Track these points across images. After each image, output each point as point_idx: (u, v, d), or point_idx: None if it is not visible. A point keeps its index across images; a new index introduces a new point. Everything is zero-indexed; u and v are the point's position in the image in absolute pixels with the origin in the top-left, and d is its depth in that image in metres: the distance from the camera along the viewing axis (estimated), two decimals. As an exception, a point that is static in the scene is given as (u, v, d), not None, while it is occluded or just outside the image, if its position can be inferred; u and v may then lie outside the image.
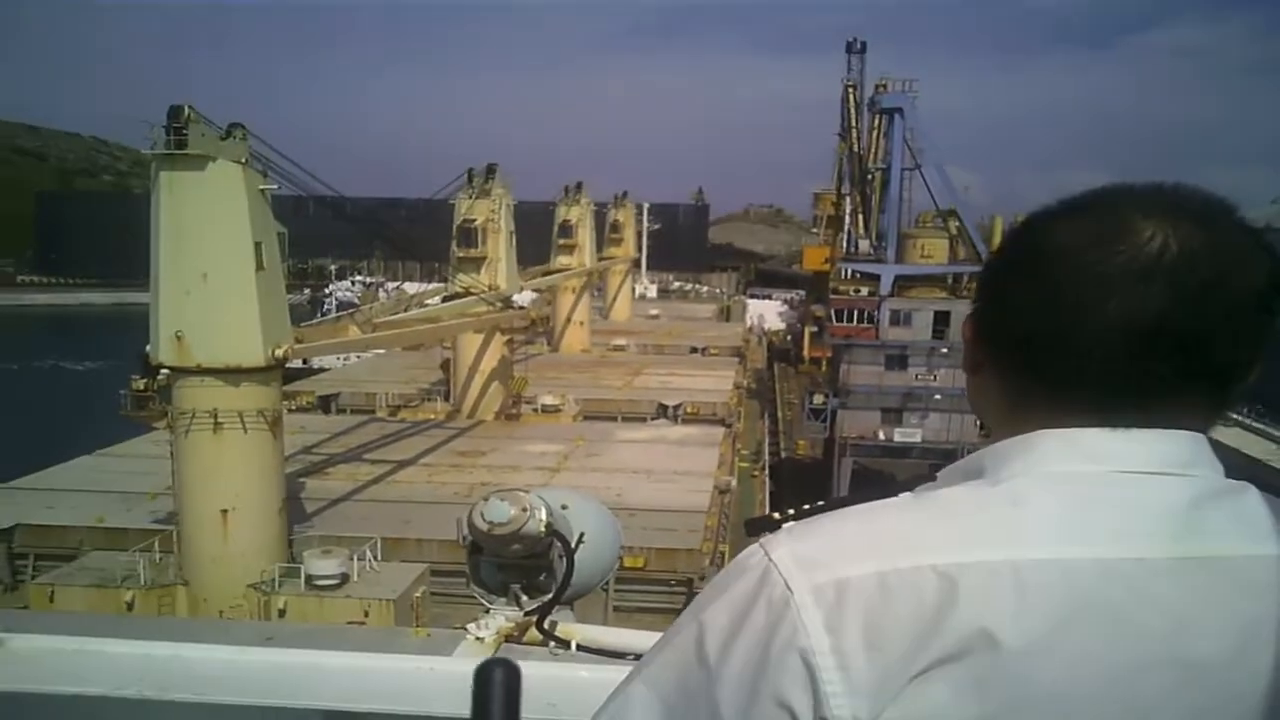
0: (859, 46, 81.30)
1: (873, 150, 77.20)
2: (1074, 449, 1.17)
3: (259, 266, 25.81)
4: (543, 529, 3.03)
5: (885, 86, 71.71)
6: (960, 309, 56.92)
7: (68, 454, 37.23)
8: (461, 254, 45.00)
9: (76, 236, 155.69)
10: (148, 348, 26.53)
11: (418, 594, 25.42)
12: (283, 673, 2.73)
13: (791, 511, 1.41)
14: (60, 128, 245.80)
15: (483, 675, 1.06)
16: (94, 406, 44.18)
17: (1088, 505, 1.12)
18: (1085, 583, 1.06)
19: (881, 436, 55.62)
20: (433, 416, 46.52)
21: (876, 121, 75.25)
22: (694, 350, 71.13)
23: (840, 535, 1.14)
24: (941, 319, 56.15)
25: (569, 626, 3.14)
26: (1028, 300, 1.20)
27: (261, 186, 26.66)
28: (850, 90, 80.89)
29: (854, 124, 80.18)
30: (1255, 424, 42.90)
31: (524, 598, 3.17)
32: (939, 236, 65.11)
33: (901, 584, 1.06)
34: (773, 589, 1.09)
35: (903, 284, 61.38)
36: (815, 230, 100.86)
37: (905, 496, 1.22)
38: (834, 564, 1.09)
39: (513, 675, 1.05)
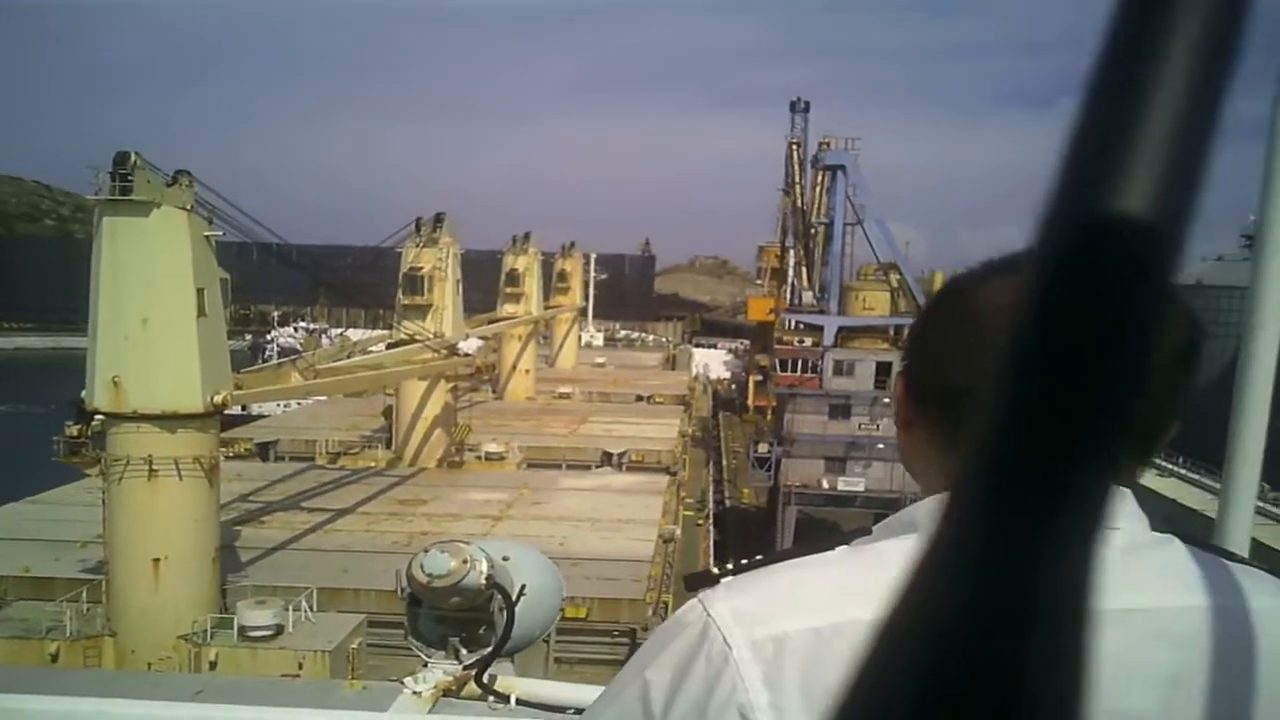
0: (803, 105, 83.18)
1: (816, 205, 78.46)
2: None
3: (200, 312, 25.60)
4: (483, 581, 3.00)
5: (829, 144, 73.16)
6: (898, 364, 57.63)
7: (-4, 501, 36.27)
8: (407, 301, 44.81)
9: (14, 281, 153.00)
10: (83, 393, 26.08)
11: (354, 645, 24.98)
12: None
13: (730, 565, 1.41)
14: (1, 171, 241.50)
15: None
16: (26, 453, 43.04)
17: None
18: None
19: (825, 485, 55.84)
20: (373, 464, 45.97)
21: (820, 178, 76.60)
22: (640, 398, 71.24)
23: (777, 590, 1.15)
24: (884, 369, 56.78)
25: (509, 680, 3.09)
26: (955, 359, 1.20)
27: (206, 233, 26.56)
28: (794, 147, 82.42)
29: (798, 179, 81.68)
30: (1190, 474, 43.75)
31: (463, 651, 3.12)
32: (880, 289, 66.15)
33: (837, 638, 1.06)
34: (711, 645, 1.09)
35: (845, 335, 62.13)
36: (760, 282, 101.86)
37: (841, 550, 1.23)
38: (771, 619, 1.09)
39: None
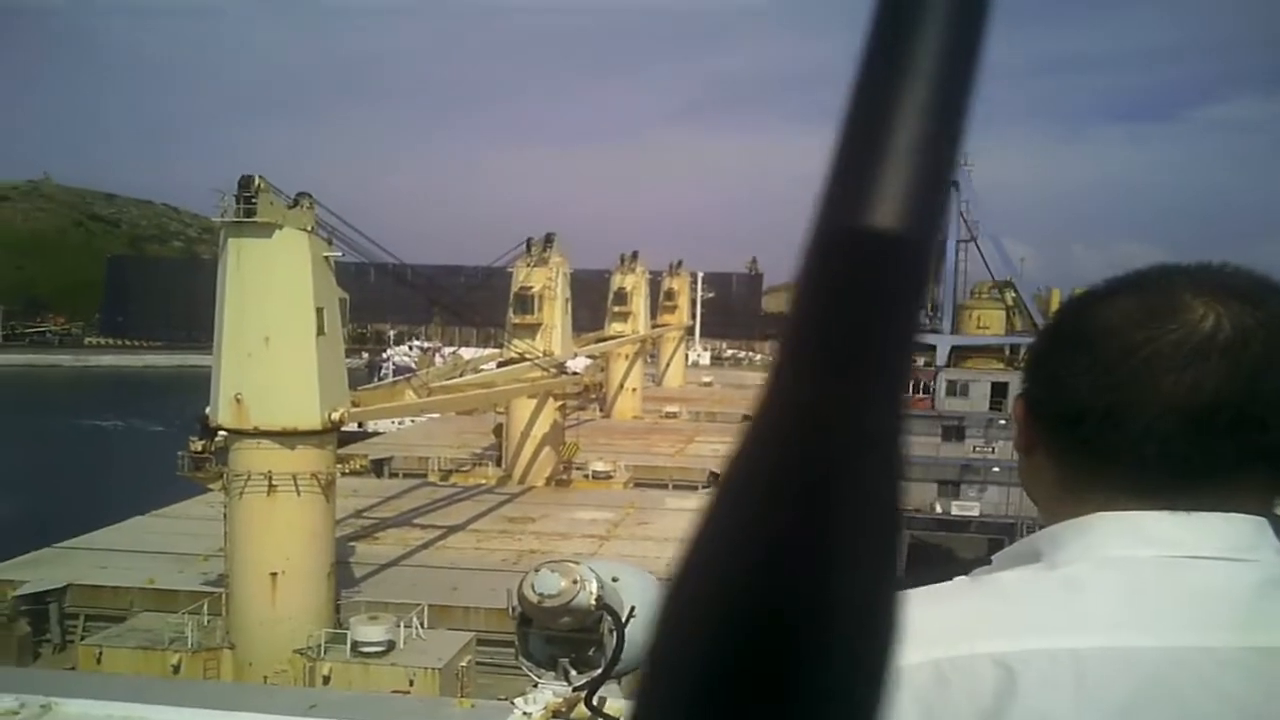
0: None
1: (930, 222, 77.48)
2: (1133, 533, 1.13)
3: (320, 331, 26.20)
4: (593, 602, 2.96)
5: (946, 158, 72.14)
6: (1018, 381, 56.14)
7: (123, 514, 37.72)
8: (518, 320, 45.47)
9: (143, 300, 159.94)
10: (207, 409, 26.88)
11: (464, 663, 25.21)
12: None
13: None
14: (134, 195, 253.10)
15: None
16: (151, 467, 44.87)
17: (1149, 591, 1.08)
18: (1149, 672, 1.02)
19: (938, 509, 54.69)
20: (484, 481, 46.60)
21: (932, 193, 75.59)
22: (747, 418, 70.73)
23: None
24: (999, 390, 55.58)
25: (618, 703, 3.05)
26: (1080, 379, 1.17)
27: (326, 253, 27.18)
28: None
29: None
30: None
31: (573, 672, 3.08)
32: (995, 307, 64.78)
33: (958, 673, 1.03)
34: None
35: (959, 355, 60.98)
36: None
37: (960, 580, 1.19)
38: None
39: None
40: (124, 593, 29.24)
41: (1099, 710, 1.00)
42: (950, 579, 1.21)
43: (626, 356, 68.69)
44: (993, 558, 1.25)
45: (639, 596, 3.15)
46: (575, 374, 46.81)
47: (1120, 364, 1.14)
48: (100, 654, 25.14)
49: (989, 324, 63.76)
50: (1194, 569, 1.10)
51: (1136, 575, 1.10)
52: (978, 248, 68.71)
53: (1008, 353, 60.47)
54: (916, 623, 1.05)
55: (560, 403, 47.13)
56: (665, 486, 47.53)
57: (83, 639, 27.35)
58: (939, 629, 1.07)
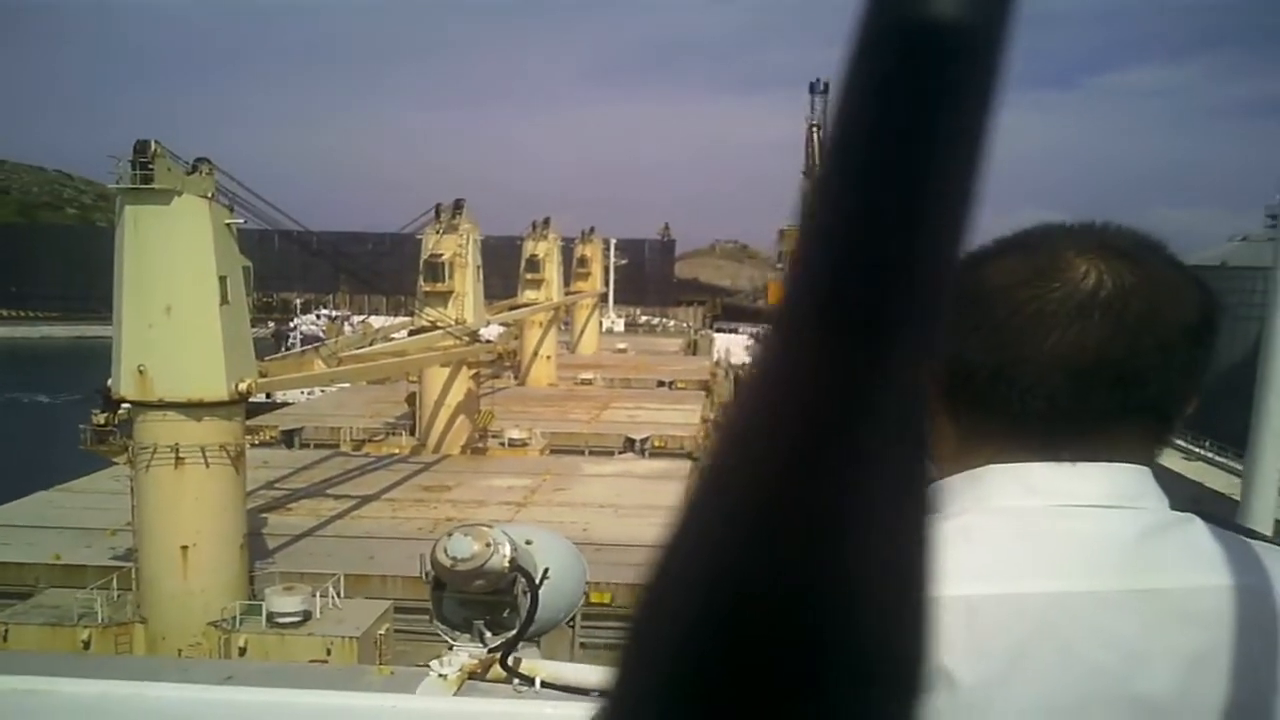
0: (822, 88, 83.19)
1: (837, 188, 78.43)
2: (1021, 483, 1.18)
3: (223, 300, 25.77)
4: (506, 565, 3.02)
5: (848, 126, 73.09)
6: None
7: (25, 489, 36.62)
8: (428, 288, 44.98)
9: (38, 269, 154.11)
10: (109, 381, 26.28)
11: (381, 631, 25.18)
12: (245, 712, 2.71)
13: None
14: (24, 161, 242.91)
15: None
16: (53, 441, 43.50)
17: (1037, 539, 1.14)
18: (1038, 617, 1.07)
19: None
20: (397, 451, 46.21)
21: (839, 160, 76.50)
22: (661, 384, 71.10)
23: None
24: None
25: (533, 663, 3.11)
26: (969, 337, 1.20)
27: (227, 221, 26.68)
28: (814, 130, 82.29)
29: (818, 162, 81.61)
30: (1216, 457, 43.41)
31: (488, 634, 3.14)
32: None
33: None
34: None
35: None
36: (780, 266, 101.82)
37: None
38: None
39: None
40: (29, 569, 28.52)
41: (990, 655, 1.06)
42: None
43: (540, 324, 68.44)
44: None
45: (552, 559, 3.23)
46: (489, 342, 46.64)
47: (1007, 322, 1.18)
48: (5, 631, 24.63)
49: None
50: (1080, 517, 1.15)
51: (1025, 523, 1.15)
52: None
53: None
54: None
55: (474, 371, 46.85)
56: (582, 453, 47.65)
57: (-12, 617, 26.67)
58: None
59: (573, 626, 23.23)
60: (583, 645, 25.16)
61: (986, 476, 1.20)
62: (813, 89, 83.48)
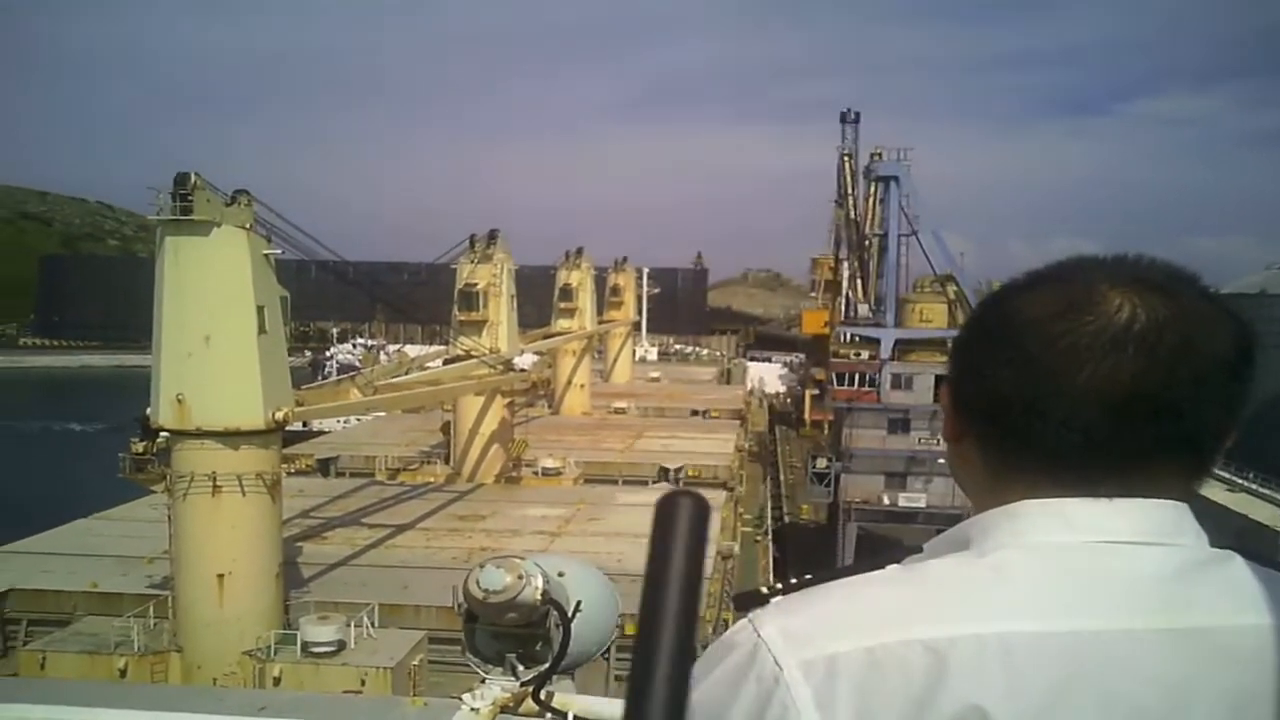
0: (853, 117, 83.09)
1: (869, 216, 77.92)
2: (1058, 519, 1.17)
3: (261, 330, 25.84)
4: (538, 597, 2.99)
5: (880, 155, 72.81)
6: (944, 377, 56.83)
7: (64, 517, 37.04)
8: (463, 317, 45.10)
9: (79, 300, 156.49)
10: (148, 410, 26.39)
11: (415, 662, 25.06)
12: None
13: (779, 585, 1.41)
14: (66, 192, 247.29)
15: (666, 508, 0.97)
16: (92, 469, 43.98)
17: (1075, 577, 1.12)
18: (1075, 656, 1.06)
19: (886, 501, 55.21)
20: (432, 480, 46.30)
21: (872, 189, 76.10)
22: (695, 413, 70.93)
23: (828, 610, 1.14)
24: (942, 383, 56.22)
25: (566, 697, 3.08)
26: (1002, 370, 1.20)
27: (265, 251, 26.78)
28: (845, 159, 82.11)
29: (850, 191, 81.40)
30: (1260, 489, 42.65)
31: (520, 667, 3.11)
32: (938, 301, 65.34)
33: (890, 659, 1.05)
34: (762, 666, 1.08)
35: (903, 348, 61.51)
36: (813, 294, 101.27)
37: (893, 569, 1.23)
38: (822, 640, 1.08)
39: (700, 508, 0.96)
40: (67, 597, 28.77)
41: (1026, 694, 1.03)
42: (883, 567, 1.24)
43: (574, 353, 68.57)
44: (924, 546, 1.28)
45: (585, 591, 3.18)
46: (522, 370, 46.69)
47: (1040, 355, 1.17)
48: (44, 659, 24.73)
49: (932, 317, 64.26)
50: (1117, 554, 1.14)
51: (1062, 561, 1.14)
52: (919, 241, 69.39)
53: (950, 346, 61.09)
54: (850, 610, 1.13)
55: (508, 399, 46.90)
56: (615, 482, 47.58)
57: (25, 644, 26.88)
58: (871, 616, 1.10)
59: (607, 659, 22.95)
60: (618, 679, 24.90)
61: (1022, 512, 1.19)
62: (844, 119, 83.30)
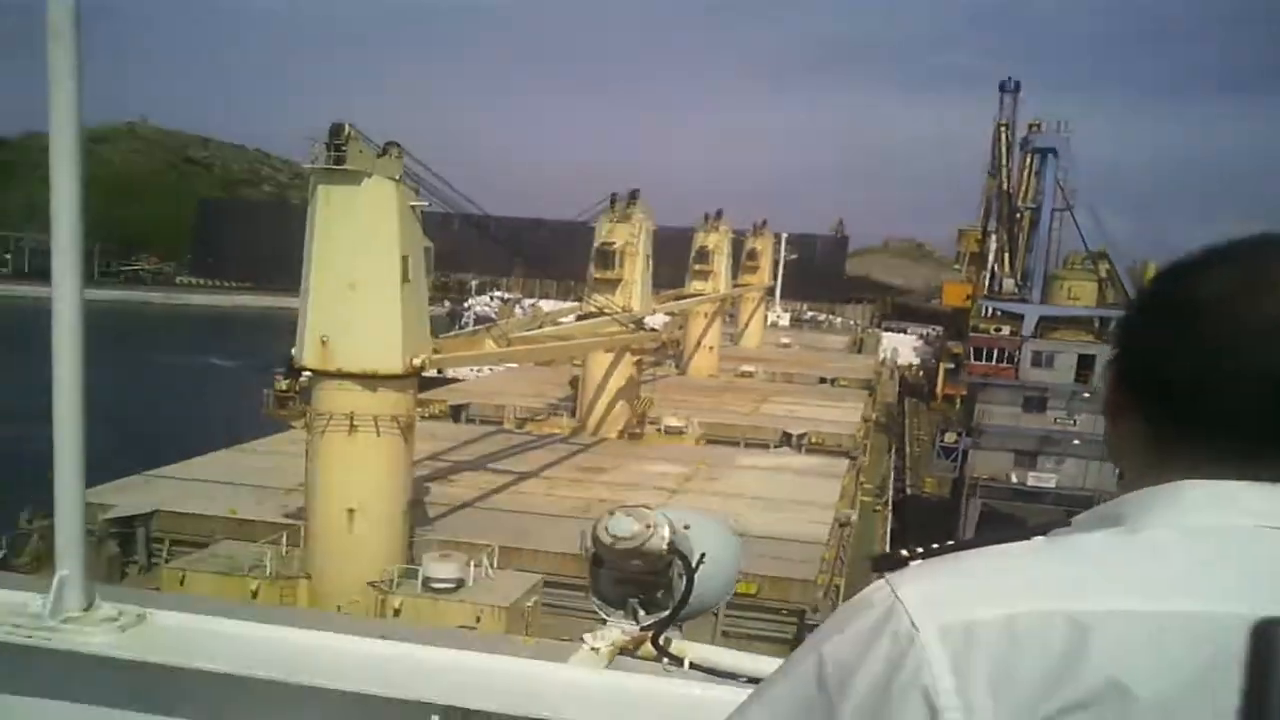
0: (1012, 86, 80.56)
1: (1023, 189, 75.80)
2: (1222, 501, 1.13)
3: (404, 279, 26.38)
4: (665, 547, 3.02)
5: (1039, 126, 70.51)
6: (1107, 354, 54.89)
7: (210, 446, 38.91)
8: (598, 275, 45.54)
9: (232, 242, 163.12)
10: (293, 350, 27.31)
11: (529, 603, 25.67)
12: (405, 665, 2.81)
13: (920, 550, 1.38)
14: (228, 139, 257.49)
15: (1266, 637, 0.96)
16: (237, 404, 46.05)
17: (1233, 560, 1.08)
18: (1227, 640, 1.01)
19: (1014, 479, 54.02)
20: (558, 431, 47.14)
21: (1028, 160, 73.77)
22: (823, 381, 70.25)
23: (970, 576, 1.12)
24: (1086, 363, 54.35)
25: (682, 644, 3.13)
26: (1174, 348, 1.17)
27: (412, 203, 27.28)
28: (1002, 129, 79.65)
29: (1004, 162, 78.93)
30: None
31: (641, 613, 3.16)
32: (1088, 279, 63.19)
33: (1031, 629, 1.03)
34: (898, 626, 1.07)
35: (1046, 325, 59.73)
36: (957, 267, 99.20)
37: (1039, 540, 1.20)
38: (962, 605, 1.07)
39: None
40: (207, 520, 30.27)
41: (1172, 674, 1.00)
42: (1028, 538, 1.21)
43: (705, 315, 68.61)
44: (1072, 520, 1.25)
45: (710, 545, 3.20)
46: (653, 330, 46.93)
47: (1213, 335, 1.14)
48: (183, 577, 26.06)
49: (1080, 295, 62.16)
50: (1279, 540, 1.09)
51: (1220, 543, 1.09)
52: (1073, 217, 67.11)
53: (1097, 325, 58.99)
54: (993, 577, 1.10)
55: (637, 358, 47.33)
56: (737, 444, 47.58)
57: (167, 562, 28.39)
58: (1015, 585, 1.08)
59: (716, 615, 23.19)
60: (725, 634, 25.09)
61: (1183, 492, 1.15)
62: (1003, 88, 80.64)
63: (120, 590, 3.31)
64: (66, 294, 3.06)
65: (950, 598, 1.08)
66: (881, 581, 1.15)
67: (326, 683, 2.68)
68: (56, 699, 2.97)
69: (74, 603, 2.99)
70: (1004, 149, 79.27)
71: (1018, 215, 75.97)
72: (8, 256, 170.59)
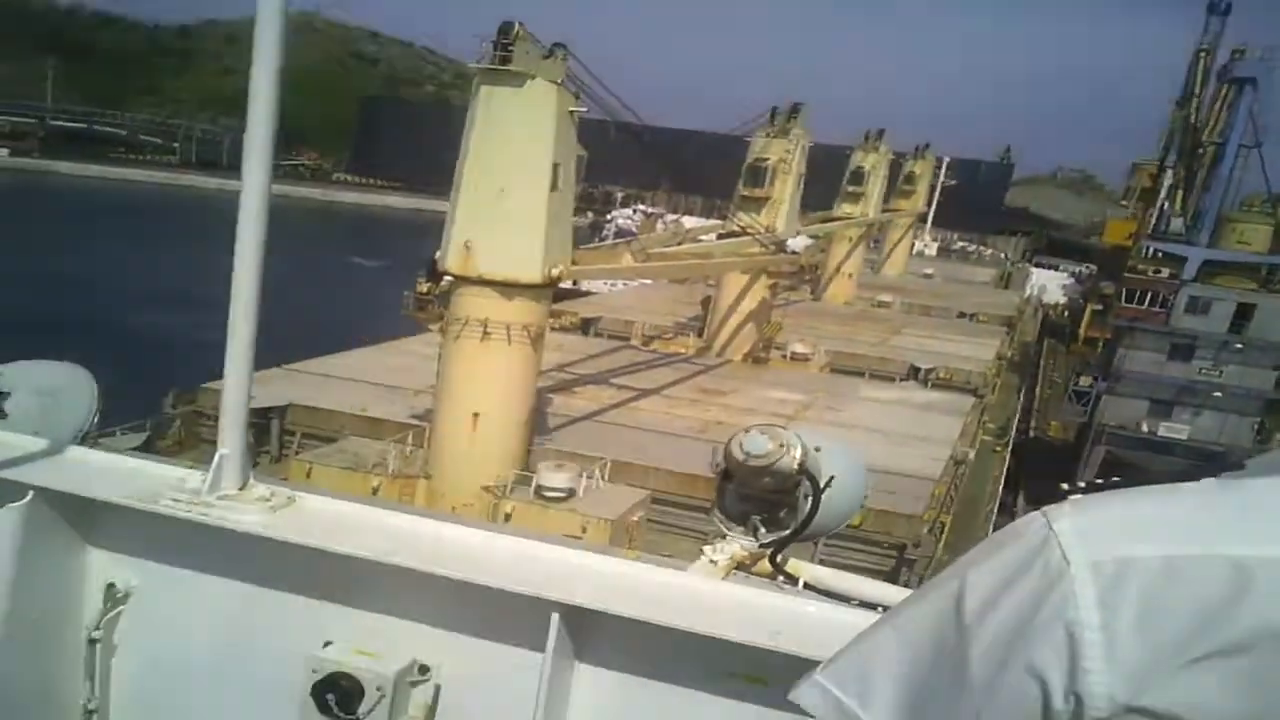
0: (1223, 7, 72.39)
1: (1212, 122, 70.70)
2: None
3: (554, 187, 26.09)
4: (795, 467, 3.05)
5: (1242, 53, 65.43)
6: (1271, 303, 51.83)
7: (347, 344, 40.19)
8: (745, 192, 44.42)
9: (392, 141, 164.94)
10: (437, 253, 27.31)
11: (635, 518, 25.97)
12: (529, 564, 2.94)
13: (1082, 484, 1.35)
14: (397, 35, 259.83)
15: None
16: (379, 303, 47.35)
17: None
18: None
19: (1145, 429, 52.03)
20: (683, 350, 47.20)
21: (1223, 91, 68.81)
22: (962, 315, 68.25)
23: (1130, 513, 1.09)
24: (1244, 312, 51.56)
25: (797, 564, 3.19)
26: None
27: (571, 108, 26.76)
28: (1202, 55, 73.35)
29: (1197, 92, 73.28)
30: None
31: (761, 530, 3.21)
32: (1264, 223, 59.35)
33: (1189, 570, 1.00)
34: (1049, 557, 1.05)
35: (1209, 270, 56.70)
36: (1124, 203, 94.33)
37: (1208, 481, 1.15)
38: (1120, 542, 1.04)
39: None
40: (338, 416, 31.39)
41: None
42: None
43: (850, 239, 66.72)
44: (1246, 463, 1.21)
45: (839, 468, 3.22)
46: (794, 253, 46.19)
47: None
48: (310, 470, 26.98)
49: (1251, 240, 58.43)
50: None
51: None
52: (1260, 154, 62.78)
53: (1264, 273, 55.57)
54: (1157, 516, 1.07)
55: (773, 281, 46.73)
56: (862, 375, 46.94)
57: (297, 454, 29.46)
58: (1176, 525, 1.05)
59: (815, 543, 22.82)
60: (822, 561, 24.78)
61: None
62: (1212, 8, 72.74)
63: (271, 479, 3.53)
64: (254, 188, 3.20)
65: (1107, 534, 1.06)
66: (1037, 513, 1.12)
67: (458, 574, 2.82)
68: (209, 573, 3.21)
69: (231, 482, 3.23)
70: (1199, 77, 73.49)
71: (1200, 150, 71.26)
72: (175, 145, 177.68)
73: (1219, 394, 49.83)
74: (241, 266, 3.20)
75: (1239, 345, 50.23)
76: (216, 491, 3.22)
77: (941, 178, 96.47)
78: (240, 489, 3.28)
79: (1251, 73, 62.81)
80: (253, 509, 3.20)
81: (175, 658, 3.33)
